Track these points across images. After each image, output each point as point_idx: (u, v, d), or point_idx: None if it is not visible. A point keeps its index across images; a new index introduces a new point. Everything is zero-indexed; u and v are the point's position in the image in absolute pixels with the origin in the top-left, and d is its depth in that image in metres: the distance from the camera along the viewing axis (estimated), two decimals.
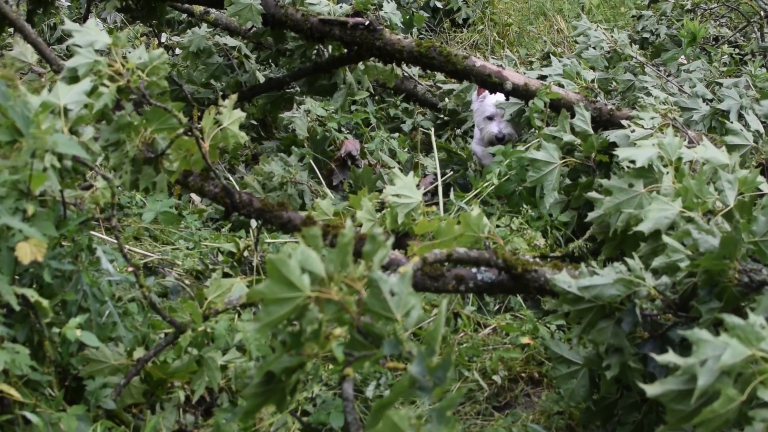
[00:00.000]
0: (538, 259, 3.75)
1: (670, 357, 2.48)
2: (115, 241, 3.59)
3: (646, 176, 3.96)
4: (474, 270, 3.71)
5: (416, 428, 2.19)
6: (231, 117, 3.92)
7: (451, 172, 6.58)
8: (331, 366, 4.02)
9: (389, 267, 3.65)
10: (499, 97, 6.29)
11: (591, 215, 4.03)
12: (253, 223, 5.27)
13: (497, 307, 4.88)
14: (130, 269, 3.44)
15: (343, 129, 7.25)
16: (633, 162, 4.02)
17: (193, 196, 6.00)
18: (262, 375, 2.49)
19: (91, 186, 3.57)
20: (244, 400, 2.54)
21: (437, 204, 5.79)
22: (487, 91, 6.37)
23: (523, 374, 4.29)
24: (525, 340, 4.39)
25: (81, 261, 3.38)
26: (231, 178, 6.27)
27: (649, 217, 3.60)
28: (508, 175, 5.27)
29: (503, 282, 3.71)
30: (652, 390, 2.52)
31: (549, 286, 3.46)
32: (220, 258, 5.09)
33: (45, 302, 2.94)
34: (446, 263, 3.56)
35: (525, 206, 5.17)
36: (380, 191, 4.57)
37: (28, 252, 2.93)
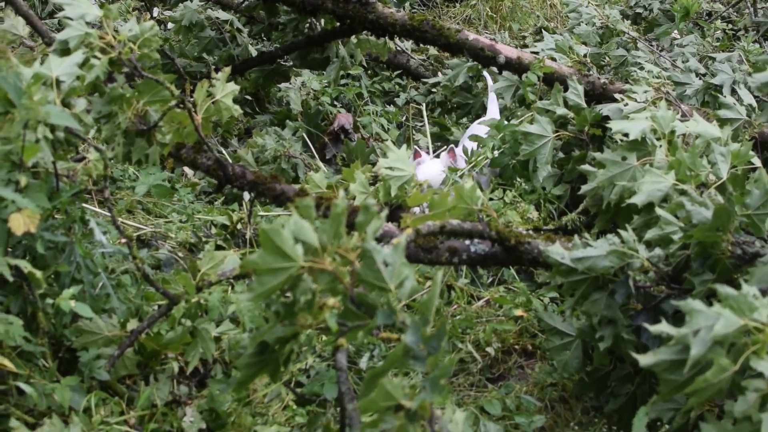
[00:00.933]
0: (531, 232, 3.75)
1: (663, 327, 2.48)
2: (108, 213, 3.60)
3: (639, 149, 3.97)
4: (467, 242, 3.71)
5: (410, 397, 2.20)
6: (224, 90, 3.92)
7: (444, 147, 6.57)
8: (324, 338, 4.03)
9: (382, 239, 3.65)
10: (431, 167, 5.46)
11: (584, 188, 4.04)
12: (246, 196, 5.27)
13: (490, 279, 4.89)
14: (123, 241, 3.44)
15: (336, 103, 7.25)
16: (626, 135, 4.03)
17: (186, 169, 5.99)
18: (256, 345, 2.50)
19: (83, 158, 3.57)
20: (237, 370, 2.55)
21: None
22: (423, 155, 5.54)
23: (516, 346, 4.30)
24: (518, 312, 4.40)
25: (74, 233, 3.38)
26: (224, 152, 6.27)
27: (643, 190, 3.61)
28: (502, 149, 5.26)
29: (496, 254, 3.72)
30: (645, 360, 2.53)
31: (542, 257, 3.47)
32: (213, 231, 5.09)
33: (38, 273, 2.94)
34: (440, 235, 3.56)
35: (518, 179, 5.17)
36: (373, 165, 4.57)
37: (21, 223, 2.93)
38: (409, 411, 2.19)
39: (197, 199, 5.61)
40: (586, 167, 4.06)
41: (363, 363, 3.97)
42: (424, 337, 2.27)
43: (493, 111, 6.40)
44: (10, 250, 3.14)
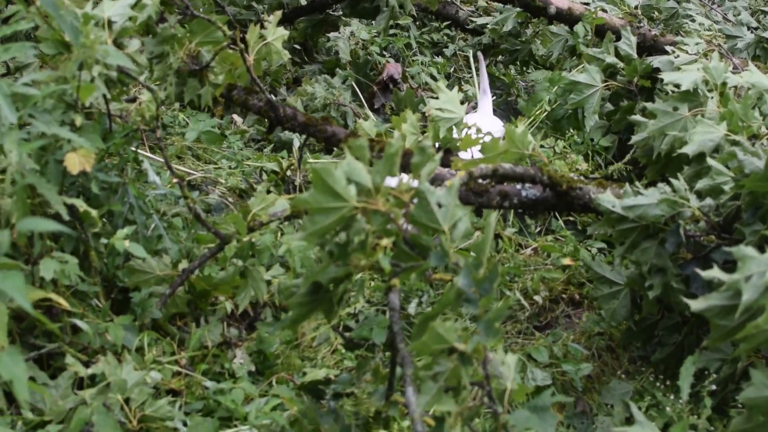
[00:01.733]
0: (582, 178, 3.74)
1: (715, 273, 2.48)
2: (158, 158, 3.62)
3: (690, 100, 3.95)
4: (518, 186, 3.71)
5: (462, 340, 2.21)
6: (275, 33, 3.93)
7: (493, 96, 6.54)
8: (372, 283, 4.04)
9: (434, 182, 3.65)
10: None
11: (634, 138, 4.02)
12: (296, 142, 5.29)
13: (538, 229, 4.89)
14: (175, 182, 3.46)
15: (385, 53, 7.22)
16: (678, 86, 4.01)
17: (235, 116, 6.00)
18: (309, 285, 2.50)
19: (135, 99, 3.59)
20: (290, 308, 2.55)
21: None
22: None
23: (563, 295, 4.30)
24: (566, 261, 4.40)
25: (127, 174, 3.41)
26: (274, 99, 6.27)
27: (694, 140, 3.60)
28: (558, 101, 5.26)
29: (547, 199, 3.72)
30: (696, 305, 2.53)
31: (593, 204, 3.46)
32: (263, 177, 5.10)
33: (94, 212, 2.96)
34: (491, 179, 3.56)
35: (570, 130, 5.16)
36: (423, 113, 4.56)
37: (76, 162, 2.95)
38: (462, 354, 2.20)
39: (246, 146, 5.62)
40: (636, 117, 4.04)
41: (411, 308, 3.98)
42: (477, 280, 2.27)
43: (485, 104, 5.45)
44: (64, 190, 3.16)
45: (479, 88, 5.54)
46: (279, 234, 4.06)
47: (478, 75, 5.81)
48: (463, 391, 2.25)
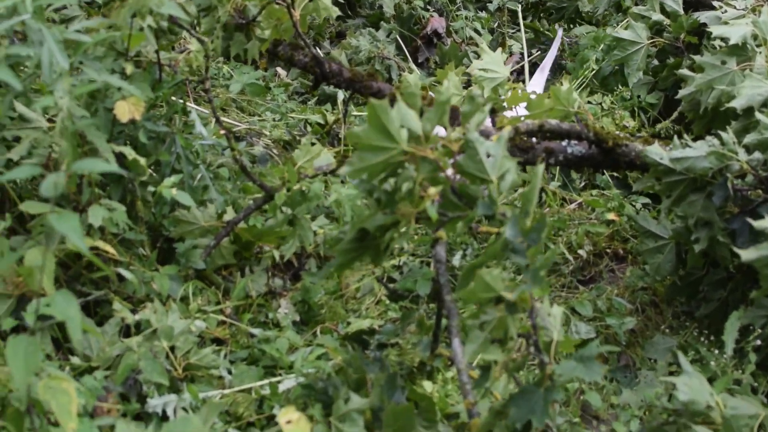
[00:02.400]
0: (628, 135, 3.73)
1: (766, 223, 2.47)
2: (203, 109, 3.62)
3: (739, 54, 3.92)
4: (564, 143, 3.70)
5: (510, 289, 2.21)
6: None
7: (538, 52, 6.51)
8: (416, 237, 4.05)
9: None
10: None
11: (682, 92, 4.00)
12: (340, 95, 5.28)
13: (583, 184, 4.87)
14: (222, 132, 3.47)
15: (428, 7, 7.19)
16: (726, 40, 3.98)
17: (279, 70, 6.00)
18: (356, 232, 2.51)
19: (184, 50, 3.60)
20: (337, 255, 2.56)
21: (523, 83, 5.75)
22: None
23: (608, 250, 4.29)
24: (611, 216, 4.38)
25: (174, 123, 3.42)
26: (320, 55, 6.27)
27: (742, 94, 3.57)
28: (605, 59, 5.24)
29: (593, 155, 3.71)
30: (747, 255, 2.53)
31: (640, 159, 3.45)
32: (308, 129, 5.11)
33: (142, 160, 2.98)
34: (537, 135, 3.55)
35: (617, 87, 5.14)
36: (466, 68, 4.54)
37: (126, 110, 2.97)
38: (510, 303, 2.20)
39: (290, 99, 5.63)
40: (684, 71, 4.02)
41: (456, 261, 3.99)
42: (524, 230, 2.27)
43: (538, 81, 5.24)
44: (112, 138, 3.18)
45: (542, 63, 5.38)
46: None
47: (546, 47, 5.84)
48: (510, 341, 2.25)
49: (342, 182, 3.86)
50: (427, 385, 3.17)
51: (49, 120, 3.10)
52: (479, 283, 2.19)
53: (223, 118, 4.92)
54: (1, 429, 2.25)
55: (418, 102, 2.41)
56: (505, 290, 2.20)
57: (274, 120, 5.14)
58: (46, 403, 2.12)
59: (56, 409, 2.04)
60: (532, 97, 3.68)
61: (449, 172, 2.42)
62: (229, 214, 3.64)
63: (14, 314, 2.96)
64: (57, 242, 2.73)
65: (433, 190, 2.41)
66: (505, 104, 3.89)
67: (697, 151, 3.19)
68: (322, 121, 5.13)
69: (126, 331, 3.13)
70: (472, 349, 2.22)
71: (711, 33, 4.18)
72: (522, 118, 3.64)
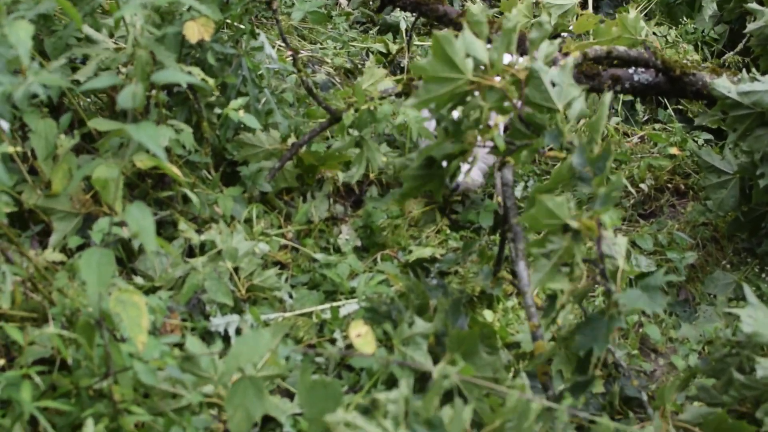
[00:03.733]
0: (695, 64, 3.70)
1: None
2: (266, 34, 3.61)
3: None
4: (630, 71, 3.68)
5: (575, 217, 2.20)
6: None
7: None
8: None
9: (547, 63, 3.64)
10: None
11: (750, 27, 3.95)
12: (402, 24, 5.26)
13: (645, 118, 4.84)
14: (289, 54, 3.47)
15: None
16: None
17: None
18: (423, 159, 2.51)
19: None
20: (403, 181, 2.57)
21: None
22: None
23: (669, 184, 4.27)
24: (673, 150, 4.36)
25: (242, 46, 3.42)
26: None
27: None
28: None
29: (660, 84, 3.68)
30: None
31: (706, 89, 3.42)
32: (369, 58, 5.10)
33: (211, 81, 2.98)
34: (604, 61, 3.53)
35: (683, 19, 5.08)
36: None
37: (195, 31, 2.97)
38: (576, 231, 2.20)
39: (351, 28, 5.61)
40: (752, 5, 3.97)
41: (518, 192, 3.98)
42: (591, 158, 2.27)
43: None
44: (180, 59, 3.19)
45: None
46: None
47: None
48: (576, 269, 2.25)
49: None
50: (488, 314, 3.20)
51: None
52: (542, 208, 2.18)
53: (284, 46, 4.93)
54: (72, 341, 2.29)
55: (485, 30, 2.40)
56: (570, 218, 2.20)
57: (335, 48, 5.14)
58: (117, 316, 2.15)
59: (127, 322, 2.07)
60: (601, 25, 3.66)
61: (516, 99, 2.42)
62: (293, 139, 3.65)
63: (80, 233, 3.00)
64: (125, 160, 2.77)
65: (500, 118, 2.41)
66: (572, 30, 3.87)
67: (766, 86, 3.16)
68: (384, 50, 5.12)
69: (189, 253, 3.16)
70: (538, 278, 2.22)
71: None
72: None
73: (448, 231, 3.75)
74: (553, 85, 2.39)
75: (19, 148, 2.92)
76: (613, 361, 2.94)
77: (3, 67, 2.14)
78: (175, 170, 2.88)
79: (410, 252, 3.56)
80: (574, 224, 2.19)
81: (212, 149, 3.47)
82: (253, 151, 3.58)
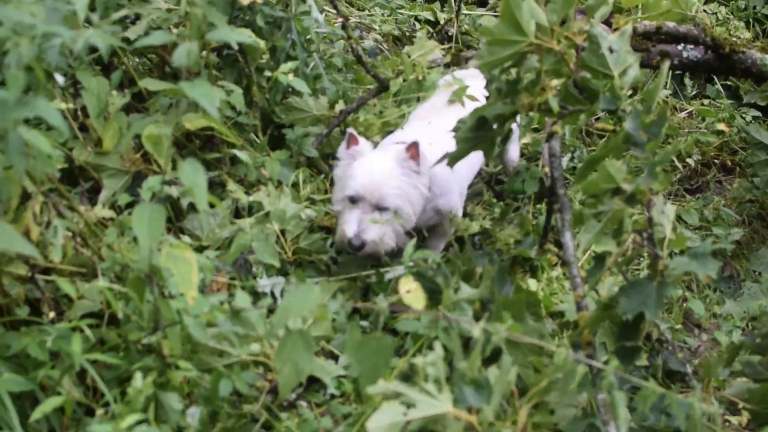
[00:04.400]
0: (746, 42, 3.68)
1: None
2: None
3: None
4: (680, 47, 3.66)
5: (629, 181, 2.19)
6: None
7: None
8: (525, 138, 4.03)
9: None
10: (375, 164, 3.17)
11: None
12: None
13: (693, 93, 4.81)
14: (339, 20, 3.47)
15: None
16: None
17: None
18: (475, 120, 2.51)
19: None
20: (456, 142, 2.57)
21: None
22: (362, 143, 3.20)
23: (716, 160, 4.25)
24: (721, 126, 4.33)
25: (291, 9, 3.42)
26: None
27: None
28: None
29: (708, 61, 3.66)
30: None
31: (756, 67, 3.40)
32: (417, 26, 5.09)
33: (261, 43, 2.98)
34: (653, 37, 3.51)
35: None
36: None
37: None
38: (628, 194, 2.19)
39: None
40: None
41: (564, 162, 3.97)
42: (645, 124, 2.25)
43: None
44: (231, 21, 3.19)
45: None
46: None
47: None
48: (624, 233, 2.24)
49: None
50: (532, 284, 3.19)
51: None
52: (603, 173, 2.18)
53: (331, 12, 4.92)
54: (122, 296, 2.30)
55: None
56: (624, 182, 2.19)
57: (383, 15, 5.13)
58: (167, 271, 2.16)
59: (178, 277, 2.07)
60: None
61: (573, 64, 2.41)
62: (340, 105, 3.65)
63: (129, 191, 3.02)
64: (175, 120, 2.78)
65: (555, 82, 2.41)
66: None
67: None
68: (432, 19, 5.11)
69: (236, 215, 3.17)
70: (586, 238, 2.22)
71: None
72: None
73: (494, 201, 3.74)
74: (611, 51, 2.38)
75: (71, 105, 2.94)
76: (657, 337, 2.93)
77: (60, 21, 2.13)
78: (220, 132, 2.89)
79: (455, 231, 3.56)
80: (627, 187, 2.18)
81: (260, 112, 3.47)
82: (301, 116, 3.58)
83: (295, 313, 2.01)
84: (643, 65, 3.66)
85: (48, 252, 2.27)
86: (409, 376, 1.98)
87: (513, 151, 3.66)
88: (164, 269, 2.15)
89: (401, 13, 5.16)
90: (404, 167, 3.07)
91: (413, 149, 3.06)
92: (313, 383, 2.65)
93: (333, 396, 2.61)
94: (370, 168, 3.08)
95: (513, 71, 2.42)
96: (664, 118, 2.26)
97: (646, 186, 2.18)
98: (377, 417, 1.88)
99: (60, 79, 2.53)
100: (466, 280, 2.73)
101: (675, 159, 4.13)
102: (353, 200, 3.07)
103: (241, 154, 3.13)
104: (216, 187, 3.24)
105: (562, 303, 3.16)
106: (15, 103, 1.78)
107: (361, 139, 3.15)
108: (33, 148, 1.95)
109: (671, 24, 3.47)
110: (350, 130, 3.16)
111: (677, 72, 4.33)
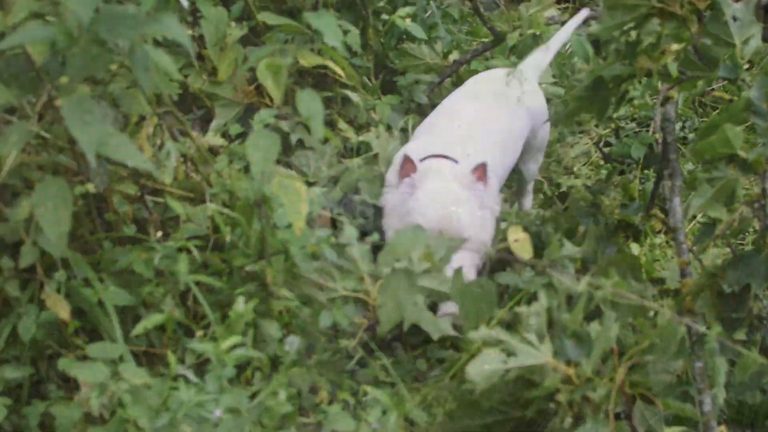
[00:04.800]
0: None
1: None
2: None
3: None
4: None
5: (746, 149, 2.17)
6: None
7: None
8: (636, 102, 3.98)
9: None
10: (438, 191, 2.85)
11: None
12: None
13: None
14: None
15: None
16: None
17: None
18: (592, 80, 2.49)
19: None
20: (569, 101, 2.55)
21: None
22: (419, 167, 2.88)
23: None
24: None
25: None
26: None
27: None
28: None
29: None
30: None
31: None
32: None
33: None
34: None
35: None
36: None
37: None
38: (744, 162, 2.16)
39: None
40: None
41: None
42: None
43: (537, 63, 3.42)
44: None
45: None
46: None
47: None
48: (736, 202, 2.22)
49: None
50: (634, 248, 3.17)
51: None
52: (721, 137, 2.15)
53: None
54: (229, 222, 2.33)
55: None
56: (741, 149, 2.17)
57: None
58: (276, 200, 2.18)
59: (287, 206, 2.10)
60: None
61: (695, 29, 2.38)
62: (454, 56, 3.64)
63: (240, 121, 3.04)
64: (291, 55, 2.79)
65: (675, 47, 2.38)
66: None
67: None
68: None
69: (343, 156, 3.18)
70: (698, 202, 2.19)
71: None
72: None
73: (601, 163, 3.73)
74: (735, 19, 2.35)
75: (189, 32, 2.97)
76: (758, 312, 2.89)
77: None
78: (342, 69, 2.90)
79: (559, 185, 3.54)
80: (743, 155, 2.16)
81: (374, 56, 3.47)
82: (414, 62, 3.58)
83: (403, 251, 2.02)
84: (765, 39, 3.60)
85: (160, 174, 2.30)
86: (510, 325, 1.98)
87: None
88: (273, 198, 2.17)
89: None
90: (473, 190, 2.82)
91: (480, 171, 2.83)
92: (411, 327, 2.66)
93: (428, 340, 2.61)
94: (441, 200, 2.79)
95: (633, 33, 2.40)
96: None
97: (763, 156, 2.15)
98: (477, 363, 1.89)
99: (184, 2, 2.55)
100: (569, 237, 2.72)
101: None
102: None
103: (353, 95, 3.14)
104: (326, 126, 3.24)
105: (664, 270, 3.13)
106: (144, 19, 1.81)
107: (418, 164, 2.84)
108: (154, 67, 1.98)
109: None
110: (406, 152, 2.86)
111: None
